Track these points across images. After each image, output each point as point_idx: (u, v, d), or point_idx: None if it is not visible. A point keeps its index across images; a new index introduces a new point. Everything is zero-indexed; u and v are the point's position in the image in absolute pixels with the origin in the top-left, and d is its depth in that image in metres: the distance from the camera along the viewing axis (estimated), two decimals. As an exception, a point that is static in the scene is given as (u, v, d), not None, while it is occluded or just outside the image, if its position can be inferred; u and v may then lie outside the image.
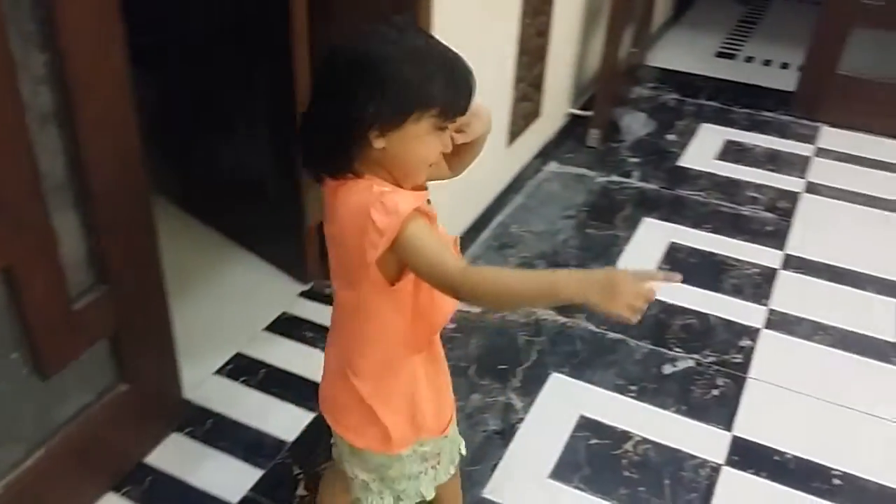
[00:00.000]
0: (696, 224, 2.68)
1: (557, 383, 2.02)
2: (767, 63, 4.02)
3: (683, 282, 1.07)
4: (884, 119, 3.25)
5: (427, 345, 1.19)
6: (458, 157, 1.17)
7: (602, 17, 3.09)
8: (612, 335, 2.17)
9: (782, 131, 3.32)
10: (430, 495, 1.30)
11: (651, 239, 2.60)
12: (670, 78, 3.78)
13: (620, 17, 3.00)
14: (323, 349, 2.11)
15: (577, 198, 2.82)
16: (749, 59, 4.07)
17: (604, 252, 2.53)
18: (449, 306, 1.15)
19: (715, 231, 2.65)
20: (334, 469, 1.40)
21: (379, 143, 1.02)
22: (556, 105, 3.06)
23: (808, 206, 2.79)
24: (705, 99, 3.59)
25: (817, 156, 3.13)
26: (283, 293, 2.33)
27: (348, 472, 1.28)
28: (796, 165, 3.05)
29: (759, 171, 3.01)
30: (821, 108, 3.36)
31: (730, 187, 2.90)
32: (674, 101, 3.58)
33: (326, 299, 2.30)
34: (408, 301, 1.11)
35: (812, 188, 2.91)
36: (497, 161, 2.63)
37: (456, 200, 2.41)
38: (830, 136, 3.28)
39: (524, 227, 2.66)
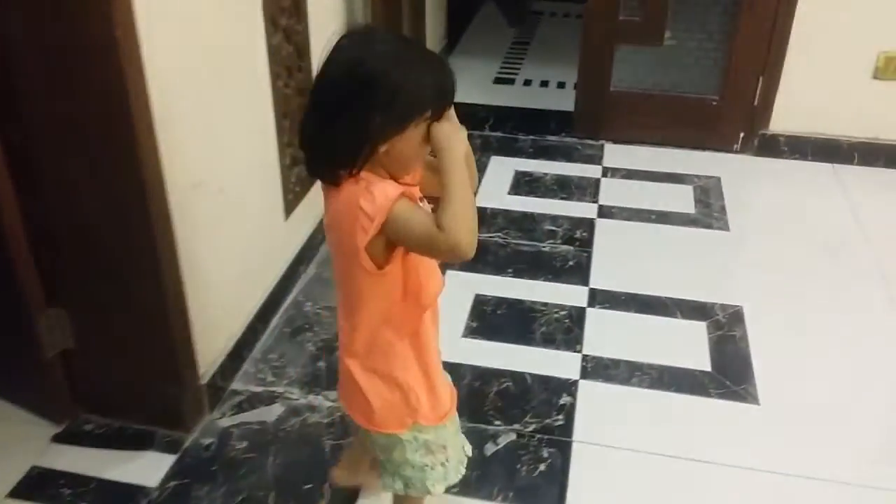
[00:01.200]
0: (499, 269, 2.55)
1: (374, 495, 1.76)
2: (545, 84, 4.03)
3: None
4: (656, 130, 3.32)
5: (418, 325, 1.27)
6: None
7: (370, 60, 2.89)
8: (426, 418, 1.96)
9: (569, 154, 3.30)
10: (438, 492, 1.37)
11: (457, 293, 2.42)
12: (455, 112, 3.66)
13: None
14: (86, 502, 1.71)
15: (373, 259, 2.60)
16: (527, 83, 4.06)
17: (408, 318, 2.31)
18: (435, 286, 1.26)
19: (518, 275, 2.52)
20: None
21: (383, 149, 1.12)
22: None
23: (604, 233, 2.75)
24: (490, 129, 3.51)
25: (605, 176, 3.13)
26: (29, 441, 1.91)
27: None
28: (587, 190, 3.02)
29: (553, 200, 2.94)
30: (600, 126, 3.39)
31: (526, 223, 2.80)
32: (460, 135, 3.47)
33: (88, 438, 1.90)
34: (397, 285, 1.20)
35: (605, 212, 2.87)
36: (276, 238, 2.34)
37: (235, 289, 2.11)
38: (614, 154, 3.29)
39: (320, 303, 2.40)
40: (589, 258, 2.61)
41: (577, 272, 2.53)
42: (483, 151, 3.31)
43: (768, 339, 2.24)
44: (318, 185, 2.58)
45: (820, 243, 2.71)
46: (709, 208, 2.90)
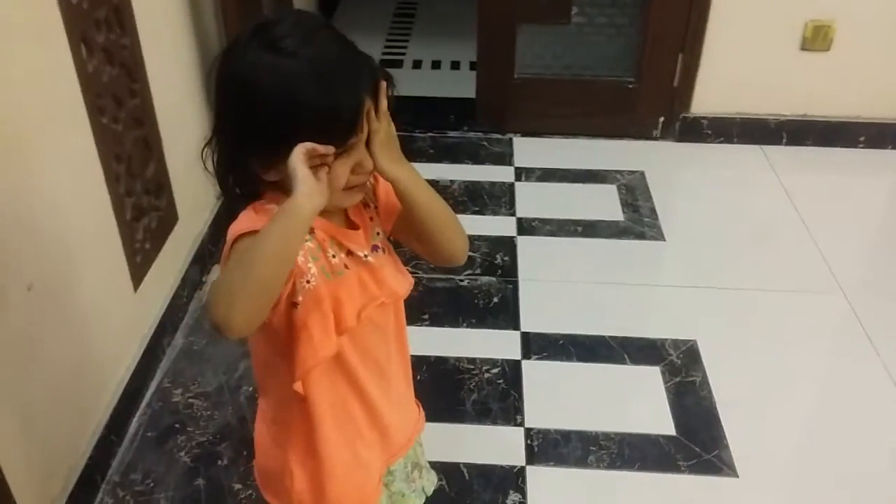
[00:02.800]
0: (413, 317, 2.06)
1: None
2: (437, 65, 3.57)
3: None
4: (568, 119, 2.94)
5: (304, 392, 0.98)
6: (417, 236, 1.01)
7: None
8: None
9: (475, 154, 2.88)
10: None
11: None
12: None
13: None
14: None
15: (256, 317, 2.11)
16: (417, 65, 3.59)
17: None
18: (314, 354, 0.95)
19: (435, 322, 2.11)
20: None
21: (270, 176, 0.91)
22: (203, 191, 2.30)
23: (528, 254, 2.36)
24: (382, 127, 3.03)
25: (519, 179, 2.73)
26: None
27: None
28: (501, 199, 2.62)
29: (465, 216, 2.51)
30: (506, 117, 2.98)
31: (438, 249, 2.38)
32: (347, 137, 2.98)
33: None
34: (279, 341, 0.95)
35: (525, 227, 2.48)
36: (124, 316, 1.82)
37: (71, 402, 1.60)
38: (525, 150, 2.90)
39: (192, 387, 1.90)
40: (515, 291, 2.22)
41: (505, 311, 2.14)
42: (376, 156, 2.84)
43: (730, 380, 1.93)
44: (175, 232, 2.10)
45: (761, 240, 2.44)
46: (638, 213, 2.56)
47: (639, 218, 2.53)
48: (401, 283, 1.04)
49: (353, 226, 1.00)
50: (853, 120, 2.85)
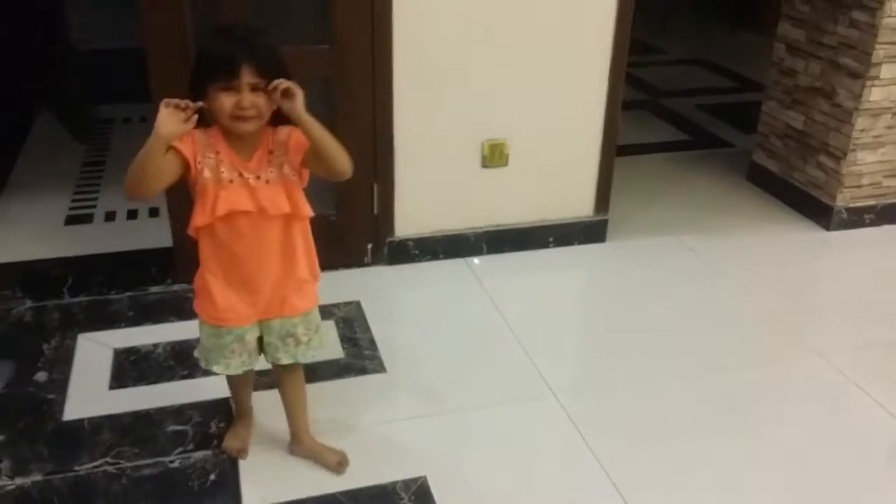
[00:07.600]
0: (116, 520, 1.86)
1: None
2: (133, 215, 3.34)
3: None
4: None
5: (207, 232, 1.70)
6: (320, 161, 1.69)
7: None
8: None
9: (180, 309, 2.67)
10: (230, 372, 1.90)
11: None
12: (16, 277, 2.81)
13: None
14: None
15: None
16: (110, 217, 3.33)
17: None
18: (200, 219, 1.67)
19: (145, 520, 1.87)
20: None
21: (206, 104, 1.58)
22: None
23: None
24: (72, 295, 2.74)
25: (231, 330, 2.58)
26: None
27: None
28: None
29: (172, 384, 2.31)
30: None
31: (143, 430, 2.13)
32: (31, 312, 2.64)
33: None
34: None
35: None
36: None
37: None
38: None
39: None
40: (235, 462, 2.04)
41: (223, 490, 1.95)
42: (66, 330, 2.54)
43: (464, 511, 1.92)
44: None
45: (475, 354, 2.51)
46: (358, 346, 2.52)
47: (359, 352, 2.50)
48: (274, 204, 1.69)
49: (250, 160, 1.66)
50: (540, 224, 3.11)
